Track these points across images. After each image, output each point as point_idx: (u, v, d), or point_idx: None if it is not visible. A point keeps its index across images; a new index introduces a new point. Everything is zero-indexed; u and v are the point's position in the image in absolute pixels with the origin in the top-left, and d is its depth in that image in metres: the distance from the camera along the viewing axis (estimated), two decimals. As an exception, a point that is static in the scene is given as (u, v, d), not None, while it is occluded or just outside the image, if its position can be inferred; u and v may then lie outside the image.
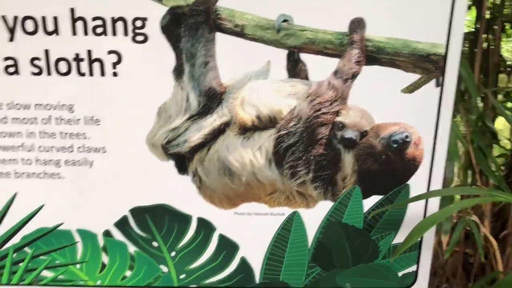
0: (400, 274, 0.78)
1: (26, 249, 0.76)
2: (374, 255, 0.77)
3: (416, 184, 0.74)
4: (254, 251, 0.77)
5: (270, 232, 0.76)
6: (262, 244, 0.76)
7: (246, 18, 0.65)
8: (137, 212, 0.74)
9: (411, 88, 0.68)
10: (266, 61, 0.67)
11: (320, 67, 0.67)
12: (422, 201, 0.75)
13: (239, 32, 0.66)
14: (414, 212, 0.75)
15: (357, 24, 0.65)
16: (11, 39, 0.67)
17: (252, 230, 0.75)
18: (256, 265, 0.77)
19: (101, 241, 0.76)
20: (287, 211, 0.74)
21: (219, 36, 0.66)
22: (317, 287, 0.78)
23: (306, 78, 0.68)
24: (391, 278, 0.78)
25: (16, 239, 0.76)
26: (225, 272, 0.78)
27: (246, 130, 0.70)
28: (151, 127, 0.70)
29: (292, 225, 0.75)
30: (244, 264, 0.77)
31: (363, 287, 0.78)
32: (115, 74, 0.68)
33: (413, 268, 0.78)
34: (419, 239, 0.76)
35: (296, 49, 0.66)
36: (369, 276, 0.77)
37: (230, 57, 0.67)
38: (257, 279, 0.78)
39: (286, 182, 0.71)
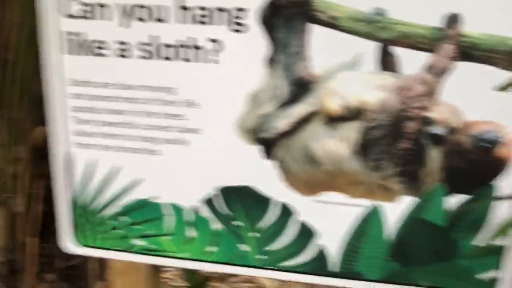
0: (479, 277, 0.76)
1: (123, 217, 0.84)
2: (454, 255, 0.76)
3: (504, 187, 0.72)
4: (331, 239, 0.79)
5: (349, 222, 0.77)
6: (340, 233, 0.78)
7: (341, 10, 0.68)
8: (224, 191, 0.79)
9: (506, 87, 0.67)
10: (357, 53, 0.69)
11: (411, 61, 0.68)
12: (508, 206, 0.73)
13: (333, 24, 0.68)
14: (498, 215, 0.73)
15: (453, 19, 0.65)
16: (126, 25, 0.74)
17: (331, 219, 0.77)
18: (333, 254, 0.79)
19: (189, 216, 0.82)
20: (368, 203, 0.76)
21: (313, 27, 0.69)
22: (393, 281, 0.78)
23: (397, 71, 0.69)
24: (469, 280, 0.76)
25: (115, 208, 0.84)
26: (302, 258, 0.81)
27: (332, 120, 0.73)
28: (243, 112, 0.75)
29: (371, 217, 0.76)
30: (320, 252, 0.80)
31: (439, 286, 0.77)
32: (214, 61, 0.73)
33: (494, 273, 0.76)
34: (501, 243, 0.74)
35: (388, 42, 0.68)
36: (447, 276, 0.76)
37: (322, 48, 0.70)
38: (333, 267, 0.80)
39: (369, 174, 0.73)
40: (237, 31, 0.71)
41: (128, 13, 0.74)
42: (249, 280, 2.30)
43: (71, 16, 0.75)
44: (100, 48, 0.76)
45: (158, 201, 0.82)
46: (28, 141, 1.34)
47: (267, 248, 0.81)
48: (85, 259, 1.46)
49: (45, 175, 1.40)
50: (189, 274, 1.46)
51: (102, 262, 1.46)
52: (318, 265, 0.80)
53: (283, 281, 2.27)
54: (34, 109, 1.32)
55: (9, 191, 1.38)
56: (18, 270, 1.40)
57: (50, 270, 1.45)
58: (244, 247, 0.81)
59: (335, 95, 0.71)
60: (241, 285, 2.25)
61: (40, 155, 1.38)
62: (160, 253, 0.85)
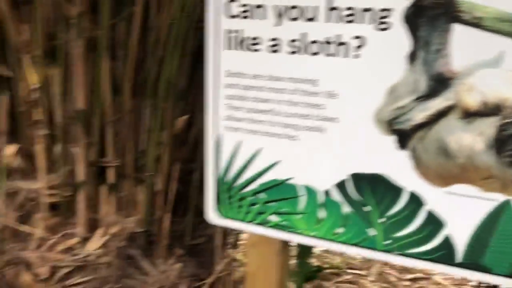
0: None
1: (261, 195, 0.94)
2: None
3: None
4: (460, 231, 0.81)
5: (479, 215, 0.79)
6: (469, 226, 0.80)
7: (486, 11, 0.71)
8: (356, 177, 0.86)
9: None
10: (499, 51, 0.72)
11: (557, 60, 0.69)
12: None
13: (476, 24, 0.72)
14: None
15: None
16: (279, 24, 0.84)
17: (461, 211, 0.80)
18: (460, 245, 0.82)
19: (321, 198, 0.90)
20: (500, 197, 0.77)
21: (455, 25, 0.73)
22: (522, 278, 0.79)
23: (541, 69, 0.71)
24: None
25: (254, 186, 0.94)
26: (427, 246, 0.84)
27: (469, 115, 0.76)
28: (380, 104, 0.81)
29: (503, 212, 0.78)
30: (447, 242, 0.83)
31: None
32: (356, 56, 0.80)
33: None
34: None
35: (533, 41, 0.70)
36: None
37: (463, 46, 0.74)
38: (459, 258, 0.82)
39: (503, 170, 0.75)
40: (379, 29, 0.77)
41: (281, 13, 0.84)
42: (352, 281, 2.32)
43: (232, 16, 0.88)
44: (254, 44, 0.87)
45: (293, 182, 0.91)
46: (170, 128, 1.52)
47: (394, 234, 0.86)
48: (211, 237, 1.61)
49: (181, 158, 1.57)
50: (303, 262, 1.54)
51: (225, 240, 1.60)
52: (444, 255, 0.83)
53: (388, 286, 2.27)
54: (177, 100, 1.50)
55: (150, 171, 1.57)
56: (154, 242, 1.59)
57: (180, 245, 1.62)
58: (372, 232, 0.87)
59: (473, 90, 0.75)
60: (345, 286, 2.28)
61: (179, 141, 1.56)
62: (292, 230, 0.94)
